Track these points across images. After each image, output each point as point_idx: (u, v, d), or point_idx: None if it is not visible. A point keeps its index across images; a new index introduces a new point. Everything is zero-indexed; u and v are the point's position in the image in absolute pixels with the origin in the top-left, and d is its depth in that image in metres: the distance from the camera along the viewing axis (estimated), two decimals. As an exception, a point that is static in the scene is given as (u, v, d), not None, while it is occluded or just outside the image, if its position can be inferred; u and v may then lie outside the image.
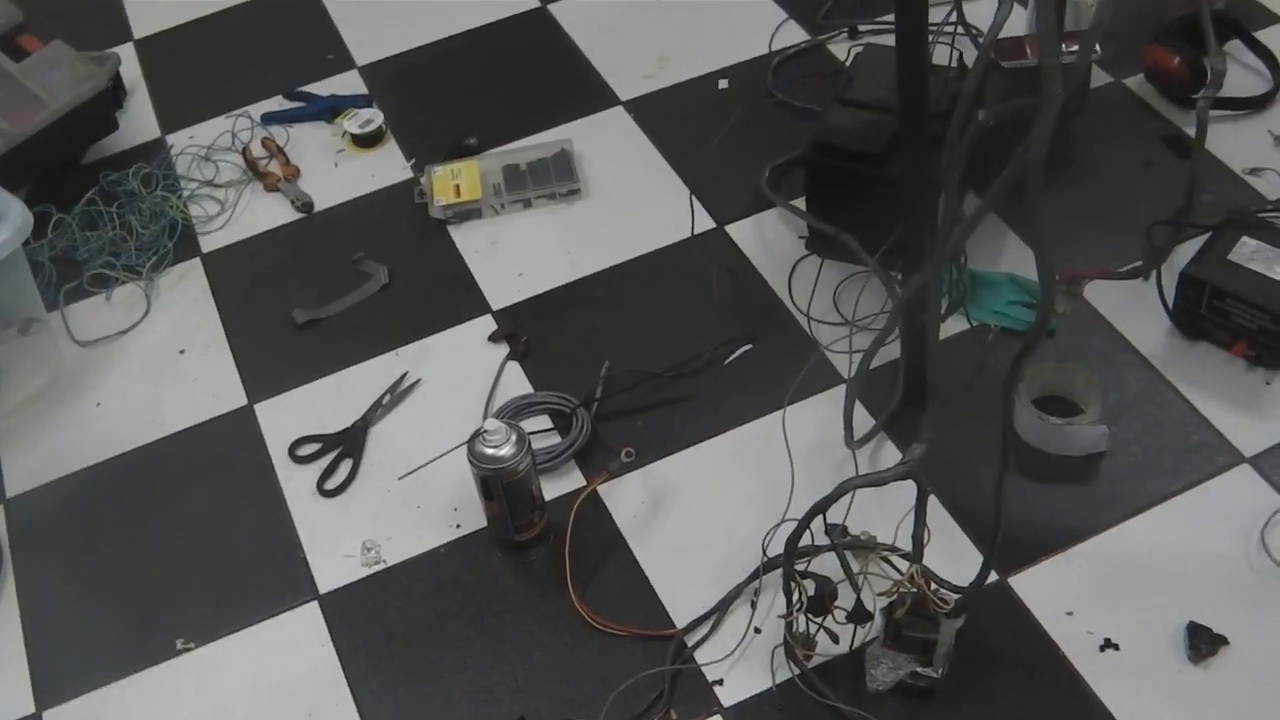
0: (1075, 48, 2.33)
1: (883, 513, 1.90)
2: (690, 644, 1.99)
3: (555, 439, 2.26)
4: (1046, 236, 1.49)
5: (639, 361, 2.35)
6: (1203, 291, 2.19)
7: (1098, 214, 2.46)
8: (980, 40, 2.34)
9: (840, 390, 2.27)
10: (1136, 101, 2.70)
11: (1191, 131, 2.58)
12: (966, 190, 2.34)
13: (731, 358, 2.36)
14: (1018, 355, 1.65)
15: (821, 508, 1.74)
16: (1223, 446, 2.12)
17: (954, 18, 2.06)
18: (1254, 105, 2.63)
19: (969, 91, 1.58)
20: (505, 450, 1.99)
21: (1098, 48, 2.52)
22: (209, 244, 2.75)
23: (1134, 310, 2.30)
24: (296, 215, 2.78)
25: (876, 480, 1.74)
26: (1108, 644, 1.91)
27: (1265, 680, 1.85)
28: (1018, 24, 2.68)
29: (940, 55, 2.33)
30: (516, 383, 2.38)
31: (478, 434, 2.01)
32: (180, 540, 2.25)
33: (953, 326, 2.29)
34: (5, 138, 2.69)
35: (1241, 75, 2.67)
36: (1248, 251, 2.20)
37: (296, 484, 2.29)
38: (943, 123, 2.02)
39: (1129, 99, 2.70)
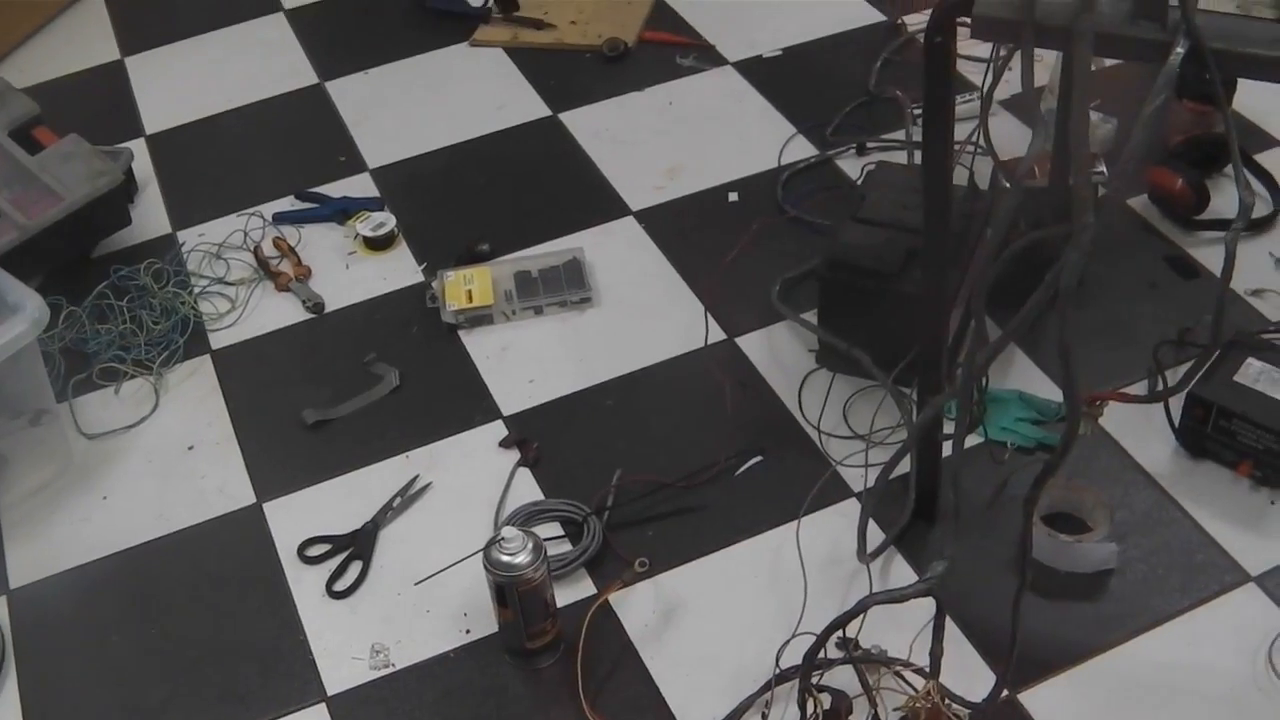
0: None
1: (893, 626, 1.92)
2: (701, 755, 1.99)
3: (566, 546, 2.27)
4: (1075, 363, 1.52)
5: (650, 470, 2.36)
6: (1209, 412, 2.22)
7: (1104, 332, 2.49)
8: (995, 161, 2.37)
9: (848, 504, 2.28)
10: (1140, 223, 2.74)
11: (1195, 253, 2.63)
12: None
13: (742, 469, 2.37)
14: (1039, 478, 1.67)
15: (841, 623, 1.76)
16: (1229, 565, 2.14)
17: (975, 137, 2.09)
18: (1255, 227, 2.67)
19: (1004, 218, 1.61)
20: (522, 558, 2.00)
21: (1104, 169, 2.57)
22: (219, 341, 2.77)
23: (1141, 429, 2.33)
24: (307, 315, 2.80)
25: (897, 597, 1.76)
26: (1118, 763, 1.92)
27: (1274, 802, 1.87)
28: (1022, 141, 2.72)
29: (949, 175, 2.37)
30: (527, 489, 2.38)
31: (494, 541, 2.01)
32: (187, 636, 2.25)
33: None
34: (19, 230, 2.71)
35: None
36: (1253, 373, 2.23)
37: (305, 584, 2.29)
38: (957, 241, 2.07)
39: (1133, 220, 2.74)
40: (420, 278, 2.85)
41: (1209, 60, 1.52)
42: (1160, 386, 2.34)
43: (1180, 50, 1.51)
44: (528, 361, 2.63)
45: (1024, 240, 1.63)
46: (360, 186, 3.11)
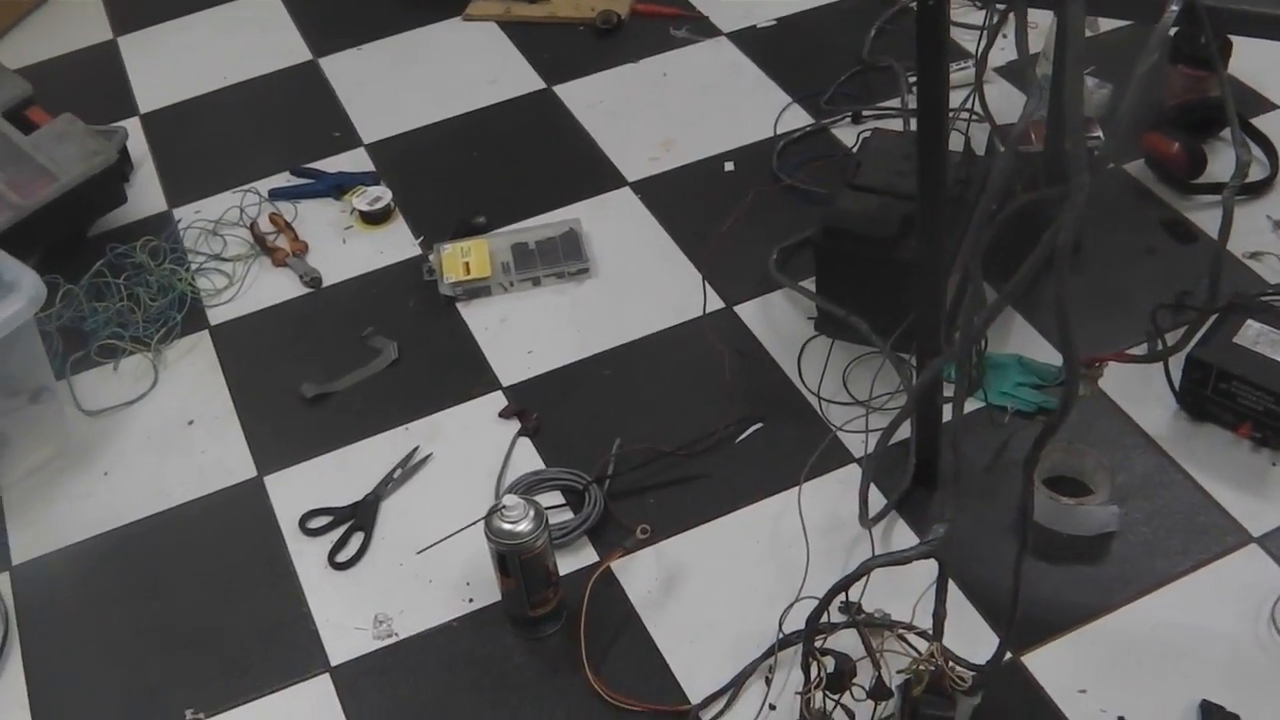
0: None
1: (895, 590, 1.92)
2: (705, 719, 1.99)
3: (568, 515, 2.27)
4: (1072, 322, 1.52)
5: (649, 439, 2.37)
6: (1209, 374, 2.22)
7: (1102, 298, 2.49)
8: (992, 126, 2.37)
9: (849, 470, 2.29)
10: (1136, 187, 2.74)
11: (1191, 216, 2.63)
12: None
13: (742, 437, 2.37)
14: (1039, 438, 1.67)
15: (843, 586, 1.76)
16: (1231, 527, 2.14)
17: (970, 104, 2.09)
18: (1253, 191, 2.67)
19: (998, 181, 1.61)
20: (523, 526, 2.00)
21: (1100, 135, 2.57)
22: (217, 317, 2.77)
23: (1141, 392, 2.33)
24: (305, 290, 2.80)
25: (899, 559, 1.76)
26: (1121, 722, 1.93)
27: (1279, 761, 1.87)
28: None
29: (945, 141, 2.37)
30: (528, 459, 2.39)
31: (495, 509, 2.02)
32: (189, 610, 2.25)
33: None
34: (14, 210, 2.71)
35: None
36: (1252, 335, 2.23)
37: (307, 556, 2.30)
38: (952, 207, 2.06)
39: (1129, 185, 2.74)
40: (417, 251, 2.85)
41: (1203, 17, 1.52)
42: (1159, 349, 2.34)
43: (1175, 8, 1.51)
44: (526, 332, 2.63)
45: (1020, 202, 1.63)
46: (356, 161, 3.11)
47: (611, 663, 2.07)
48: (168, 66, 3.52)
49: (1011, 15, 1.68)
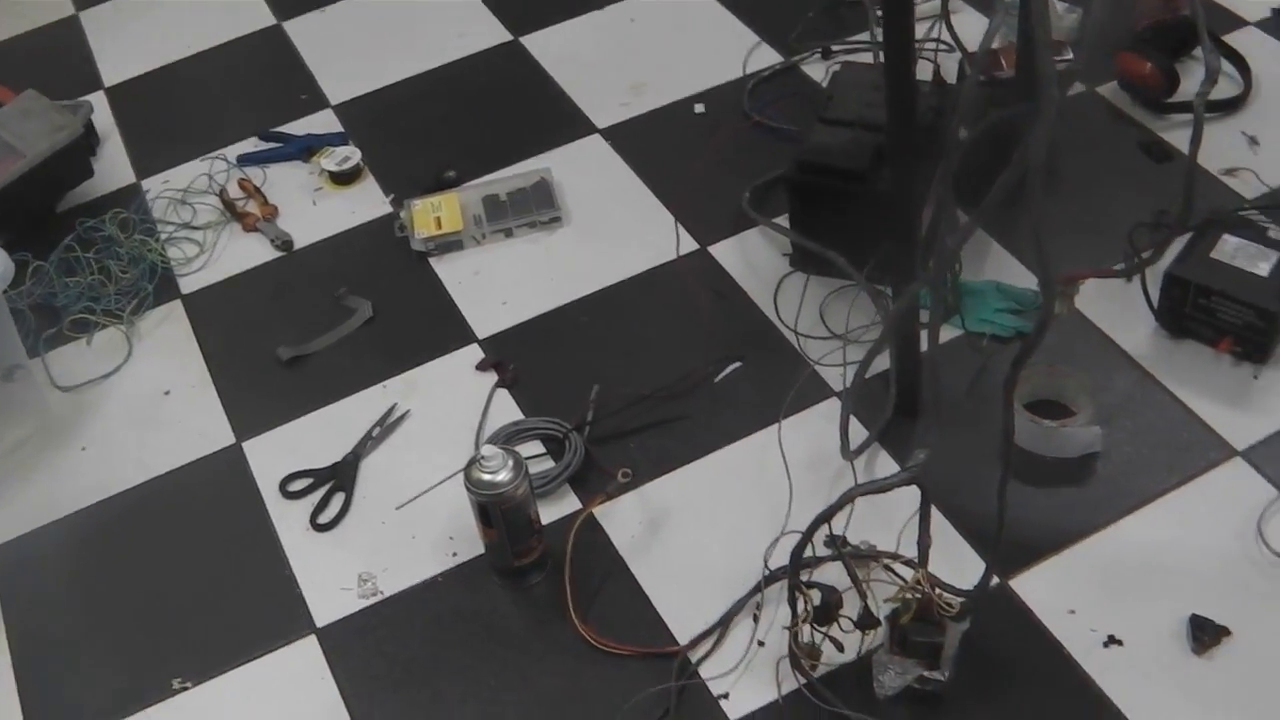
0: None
1: (879, 522, 1.91)
2: (694, 660, 1.98)
3: (549, 464, 2.26)
4: (1046, 239, 1.50)
5: (628, 384, 2.35)
6: (1187, 290, 2.20)
7: (1078, 220, 2.47)
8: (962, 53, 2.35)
9: (829, 404, 2.27)
10: (1110, 109, 2.72)
11: (1167, 136, 2.61)
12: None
13: (721, 376, 2.36)
14: (1017, 358, 1.65)
15: (826, 517, 1.75)
16: (1214, 442, 2.13)
17: (936, 33, 2.07)
18: (1226, 108, 2.65)
19: (965, 103, 1.59)
20: (502, 475, 1.98)
21: (1072, 55, 2.55)
22: (189, 285, 2.74)
23: (1119, 311, 2.32)
24: (277, 254, 2.77)
25: (881, 487, 1.75)
26: (1111, 640, 1.91)
27: (1268, 668, 1.86)
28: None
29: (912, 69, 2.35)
30: (506, 410, 2.37)
31: (474, 460, 2.00)
32: (173, 580, 2.24)
33: (941, 336, 2.29)
34: (-19, 188, 2.69)
35: (1212, 79, 2.70)
36: (1230, 249, 2.22)
37: (289, 519, 2.28)
38: (924, 136, 2.04)
39: (1103, 106, 2.72)
40: (388, 209, 2.83)
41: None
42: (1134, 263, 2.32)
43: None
44: (500, 284, 2.61)
45: (991, 119, 1.61)
46: (324, 123, 3.09)
47: (599, 609, 2.06)
48: (131, 39, 3.49)
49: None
